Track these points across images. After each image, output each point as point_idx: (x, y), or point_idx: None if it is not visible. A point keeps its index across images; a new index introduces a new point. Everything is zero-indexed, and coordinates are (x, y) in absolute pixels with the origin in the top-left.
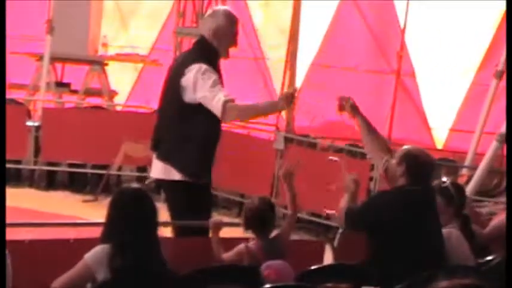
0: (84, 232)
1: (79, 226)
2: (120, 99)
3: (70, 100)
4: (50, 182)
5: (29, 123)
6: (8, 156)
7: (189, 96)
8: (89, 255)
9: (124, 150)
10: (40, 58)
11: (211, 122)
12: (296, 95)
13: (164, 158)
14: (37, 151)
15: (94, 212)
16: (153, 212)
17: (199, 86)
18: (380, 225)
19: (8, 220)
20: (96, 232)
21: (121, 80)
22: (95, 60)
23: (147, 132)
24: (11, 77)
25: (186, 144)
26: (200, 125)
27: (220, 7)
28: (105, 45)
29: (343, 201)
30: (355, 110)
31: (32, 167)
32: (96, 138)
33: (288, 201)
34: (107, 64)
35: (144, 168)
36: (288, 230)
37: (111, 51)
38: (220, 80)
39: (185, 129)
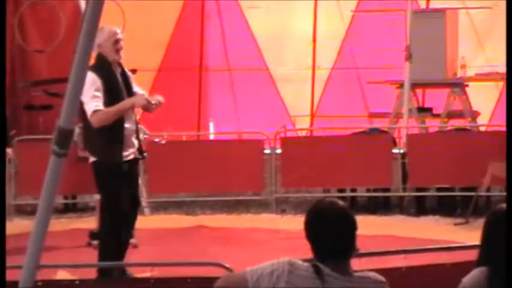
0: (458, 256)
1: (453, 250)
2: (483, 119)
3: (433, 124)
4: (419, 207)
5: (395, 150)
6: (376, 185)
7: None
8: (467, 279)
9: (491, 171)
10: (400, 85)
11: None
12: (157, 106)
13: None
14: (404, 178)
15: (466, 234)
16: None
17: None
18: None
19: (381, 248)
20: (471, 255)
21: (482, 99)
22: (454, 82)
23: None
24: (372, 106)
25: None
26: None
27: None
28: (463, 66)
29: None
30: None
31: (401, 193)
32: (462, 161)
33: None
34: (467, 85)
35: None
36: None
37: (470, 72)
38: (113, 84)
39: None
